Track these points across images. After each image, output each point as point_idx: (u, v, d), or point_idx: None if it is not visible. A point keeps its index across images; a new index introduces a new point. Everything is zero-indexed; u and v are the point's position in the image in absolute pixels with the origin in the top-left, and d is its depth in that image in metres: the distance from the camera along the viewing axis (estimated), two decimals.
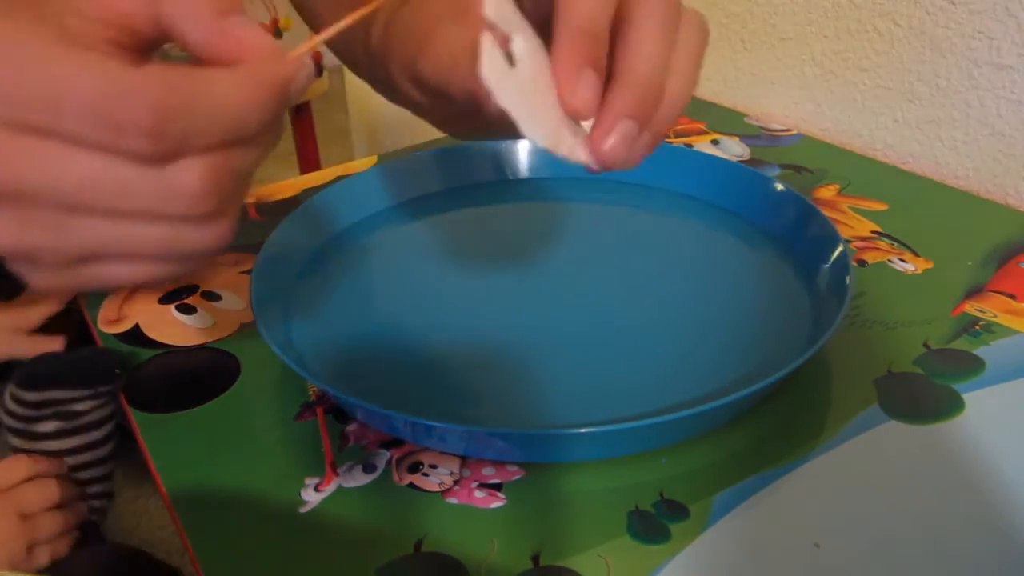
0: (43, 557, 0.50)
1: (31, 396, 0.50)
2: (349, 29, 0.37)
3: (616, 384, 0.42)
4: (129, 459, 0.56)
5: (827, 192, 0.63)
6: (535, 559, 0.33)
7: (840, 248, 0.47)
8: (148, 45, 0.22)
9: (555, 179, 0.62)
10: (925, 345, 0.45)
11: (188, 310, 0.50)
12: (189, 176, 0.20)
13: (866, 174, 0.65)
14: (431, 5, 0.29)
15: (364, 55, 0.34)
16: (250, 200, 0.63)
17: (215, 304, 0.51)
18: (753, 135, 0.74)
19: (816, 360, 0.42)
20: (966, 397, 0.41)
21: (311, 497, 0.37)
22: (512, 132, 0.26)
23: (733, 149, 0.71)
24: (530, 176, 0.63)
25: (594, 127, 0.26)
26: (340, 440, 0.40)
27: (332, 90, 1.57)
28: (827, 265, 0.48)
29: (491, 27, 0.25)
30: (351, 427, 0.40)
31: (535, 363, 0.44)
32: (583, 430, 0.35)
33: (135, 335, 0.48)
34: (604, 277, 0.51)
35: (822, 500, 0.36)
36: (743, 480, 0.37)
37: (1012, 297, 0.49)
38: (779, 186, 0.55)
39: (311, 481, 0.37)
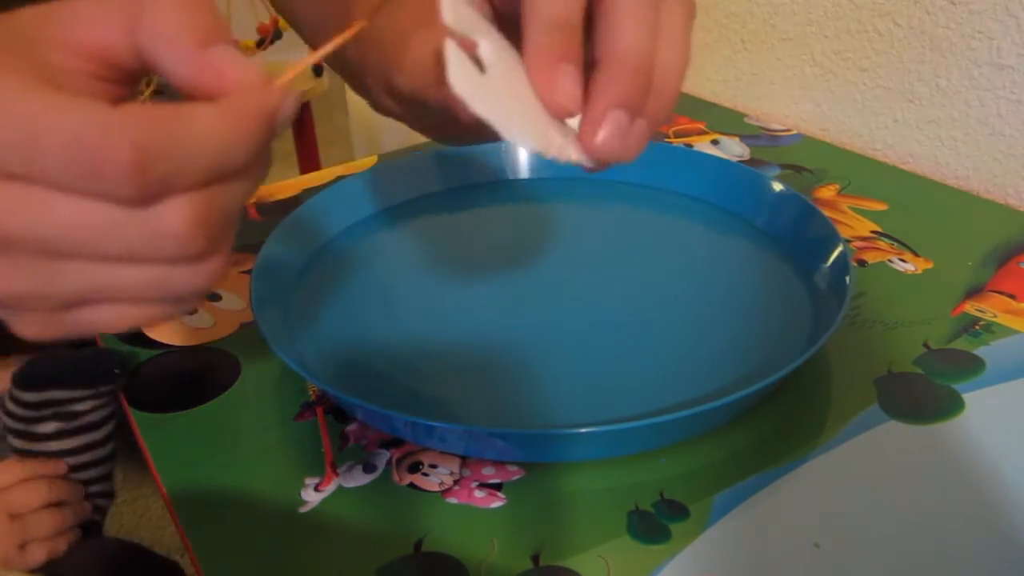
0: (39, 555, 0.50)
1: (30, 396, 0.50)
2: (327, 33, 0.37)
3: (616, 384, 0.42)
4: (129, 459, 0.56)
5: (827, 192, 0.63)
6: (535, 559, 0.33)
7: (840, 248, 0.47)
8: (131, 77, 0.22)
9: (555, 179, 0.62)
10: (925, 345, 0.45)
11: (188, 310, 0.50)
12: (175, 216, 0.19)
13: (866, 174, 0.65)
14: (401, 14, 0.28)
15: (340, 63, 0.34)
16: (250, 200, 0.63)
17: (215, 304, 0.51)
18: (753, 135, 0.74)
19: (816, 360, 0.42)
20: (966, 397, 0.41)
21: (311, 497, 0.37)
22: (492, 136, 0.25)
23: (733, 149, 0.71)
24: (530, 176, 0.63)
25: (582, 122, 0.24)
26: (340, 440, 0.40)
27: (332, 90, 1.57)
28: (827, 265, 0.48)
29: (452, 34, 0.24)
30: (351, 427, 0.40)
31: (535, 363, 0.44)
32: (583, 430, 0.35)
33: (135, 335, 0.48)
34: (604, 277, 0.51)
35: (822, 500, 0.36)
36: (743, 480, 0.37)
37: (1012, 297, 0.49)
38: (779, 186, 0.55)
39: (311, 481, 0.37)
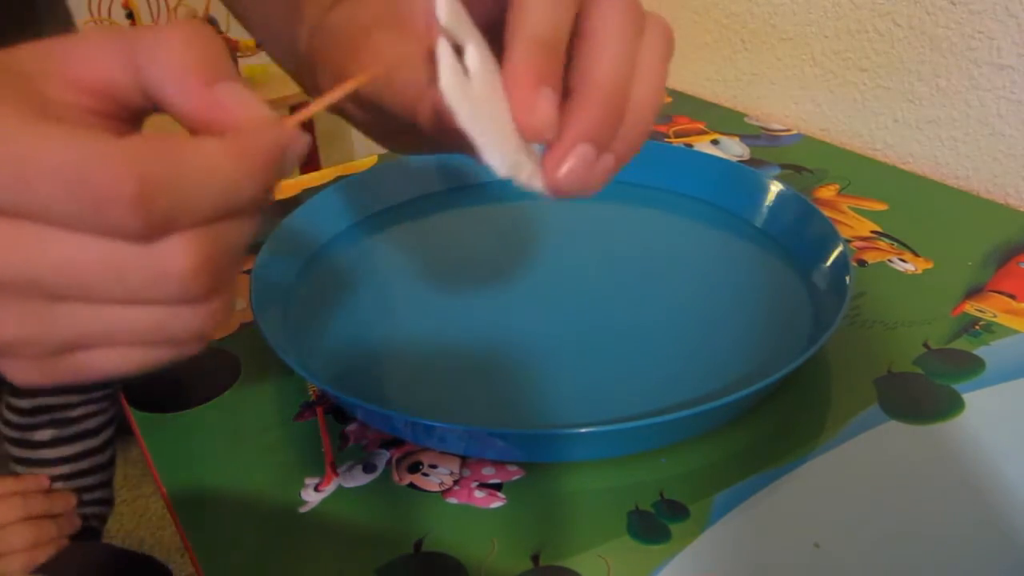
0: (13, 566, 0.50)
1: (24, 403, 0.51)
2: (275, 29, 0.34)
3: (616, 384, 0.42)
4: (129, 459, 0.56)
5: (827, 192, 0.63)
6: (535, 559, 0.33)
7: (840, 248, 0.47)
8: (133, 114, 0.21)
9: None
10: (925, 345, 0.45)
11: None
12: (178, 254, 0.18)
13: (866, 174, 0.65)
14: (363, 11, 0.27)
15: (290, 60, 0.32)
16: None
17: None
18: (753, 135, 0.74)
19: (816, 360, 0.43)
20: (966, 397, 0.41)
21: (311, 497, 0.37)
22: (454, 150, 0.24)
23: (733, 149, 0.71)
24: None
25: (548, 152, 0.23)
26: (340, 440, 0.40)
27: None
28: (827, 265, 0.48)
29: (446, 34, 0.22)
30: (351, 427, 0.40)
31: (535, 363, 0.44)
32: (583, 430, 0.35)
33: None
34: (604, 277, 0.51)
35: (822, 500, 0.36)
36: (743, 480, 0.37)
37: (1012, 297, 0.49)
38: (779, 186, 0.55)
39: (311, 481, 0.37)
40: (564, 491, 0.37)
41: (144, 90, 0.20)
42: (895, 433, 0.39)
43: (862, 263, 0.53)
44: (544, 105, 0.22)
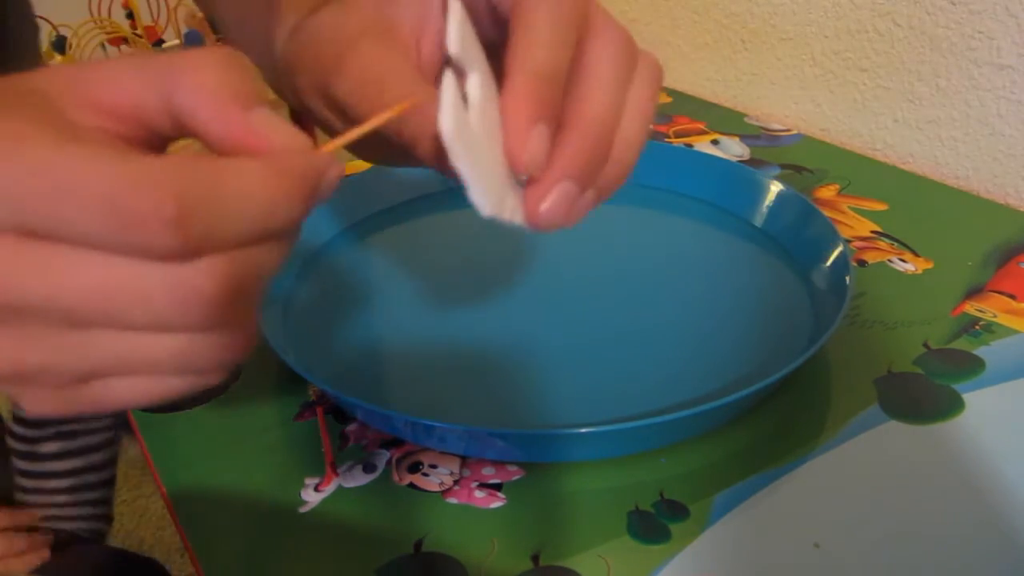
0: None
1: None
2: (251, 30, 0.33)
3: (616, 384, 0.42)
4: (129, 459, 0.56)
5: (827, 192, 0.63)
6: (535, 559, 0.33)
7: (840, 248, 0.47)
8: (160, 141, 0.21)
9: None
10: (925, 345, 0.45)
11: None
12: (209, 277, 0.18)
13: (866, 174, 0.65)
14: (349, 16, 0.26)
15: (266, 61, 0.31)
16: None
17: None
18: (753, 135, 0.74)
19: (816, 360, 0.43)
20: (966, 397, 0.41)
21: (311, 497, 0.37)
22: (442, 173, 0.24)
23: (733, 149, 0.71)
24: None
25: (531, 185, 0.23)
26: (340, 440, 0.40)
27: None
28: (827, 265, 0.48)
29: (455, 67, 0.21)
30: (351, 427, 0.40)
31: (535, 363, 0.44)
32: (583, 430, 0.35)
33: None
34: (603, 277, 0.51)
35: (822, 500, 0.36)
36: (743, 480, 0.37)
37: (1012, 297, 0.49)
38: (779, 186, 0.55)
39: (311, 481, 0.37)
40: (564, 491, 0.37)
41: (173, 115, 0.19)
42: (895, 433, 0.39)
43: (862, 263, 0.53)
44: (536, 141, 0.22)
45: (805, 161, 0.68)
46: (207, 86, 0.19)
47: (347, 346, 0.46)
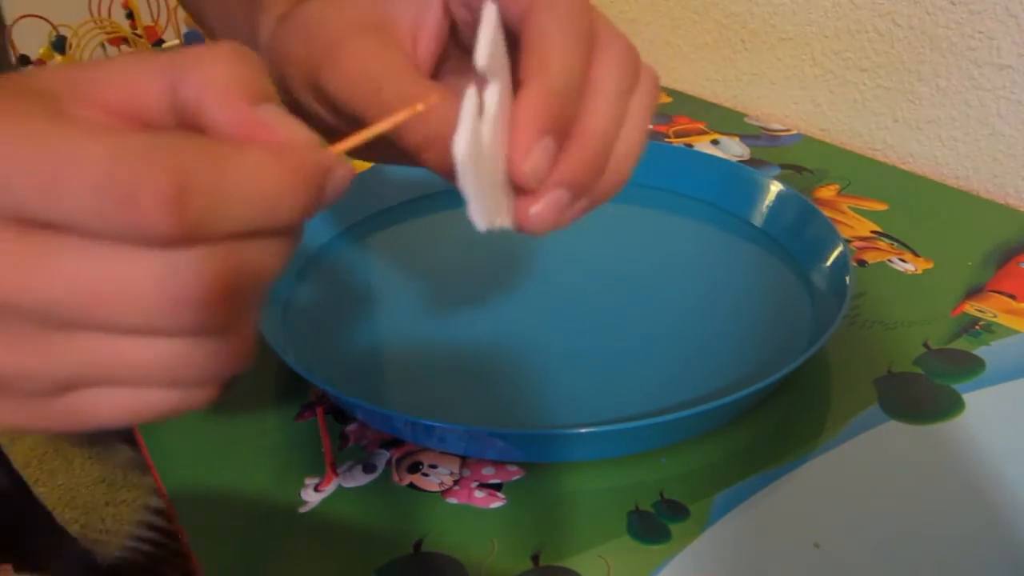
0: None
1: None
2: (234, 23, 0.32)
3: (616, 384, 0.42)
4: (129, 460, 0.56)
5: (827, 192, 0.63)
6: (535, 559, 0.33)
7: (840, 248, 0.47)
8: None
9: None
10: (925, 345, 0.45)
11: None
12: (203, 272, 0.17)
13: (866, 174, 0.65)
14: (343, 7, 0.26)
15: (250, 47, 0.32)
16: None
17: None
18: (753, 135, 0.74)
19: (816, 360, 0.43)
20: (966, 397, 0.41)
21: (311, 497, 0.36)
22: (437, 172, 0.24)
23: (733, 149, 0.71)
24: None
25: (525, 190, 0.23)
26: (340, 440, 0.40)
27: None
28: (827, 265, 0.48)
29: (479, 80, 0.21)
30: (351, 427, 0.40)
31: (535, 363, 0.44)
32: (583, 430, 0.35)
33: None
34: (603, 277, 0.51)
35: (822, 500, 0.36)
36: (743, 480, 0.37)
37: (1012, 297, 0.49)
38: (779, 186, 0.55)
39: (311, 481, 0.37)
40: (564, 491, 0.37)
41: (179, 110, 0.19)
42: (895, 433, 0.39)
43: (862, 263, 0.53)
44: (539, 154, 0.22)
45: (805, 161, 0.68)
46: (215, 80, 0.18)
47: (347, 346, 0.46)
